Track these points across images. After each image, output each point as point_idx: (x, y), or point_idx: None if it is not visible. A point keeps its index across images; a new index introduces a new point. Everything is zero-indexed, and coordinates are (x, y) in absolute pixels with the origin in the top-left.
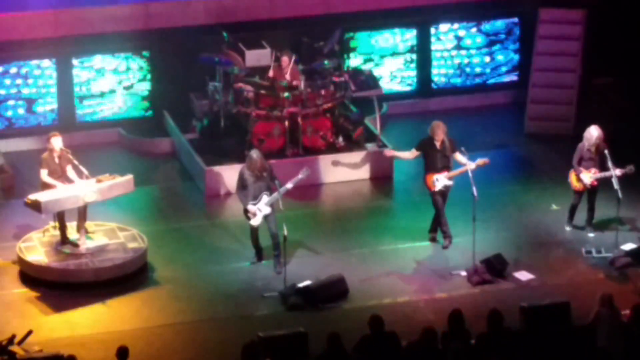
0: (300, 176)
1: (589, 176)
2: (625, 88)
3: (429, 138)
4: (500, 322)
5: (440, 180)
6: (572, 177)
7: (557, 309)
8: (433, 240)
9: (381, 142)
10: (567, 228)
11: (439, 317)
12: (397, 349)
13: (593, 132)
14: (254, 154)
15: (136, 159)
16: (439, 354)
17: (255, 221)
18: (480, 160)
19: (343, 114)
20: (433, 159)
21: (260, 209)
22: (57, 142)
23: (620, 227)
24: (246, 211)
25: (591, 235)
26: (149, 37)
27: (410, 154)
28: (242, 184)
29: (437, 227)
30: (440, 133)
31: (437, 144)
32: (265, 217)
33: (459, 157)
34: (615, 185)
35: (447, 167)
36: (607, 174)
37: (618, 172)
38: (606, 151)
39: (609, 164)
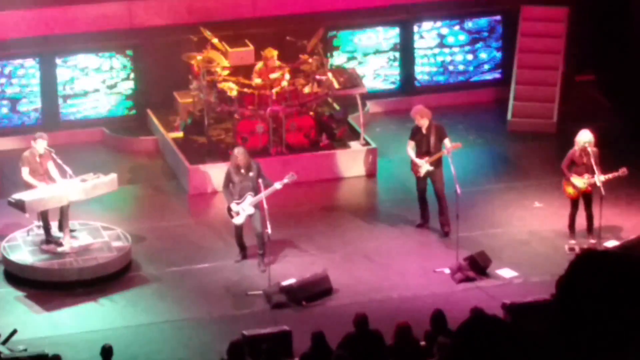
0: (285, 180)
1: (582, 181)
2: (608, 85)
3: (416, 125)
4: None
5: (423, 166)
6: (565, 186)
7: (541, 307)
8: (446, 234)
9: (364, 141)
10: (572, 241)
11: (423, 314)
12: (381, 347)
13: (582, 137)
14: (235, 150)
15: (120, 157)
16: (422, 350)
17: (238, 220)
18: (452, 145)
19: (326, 112)
20: (419, 144)
21: (244, 208)
22: (41, 145)
23: (603, 225)
24: (229, 209)
25: (592, 241)
26: (132, 36)
27: (410, 147)
28: (228, 182)
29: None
30: (418, 117)
31: (423, 129)
32: (250, 216)
33: (447, 144)
34: (598, 182)
35: (429, 153)
36: (610, 176)
37: (605, 177)
38: (591, 149)
39: (594, 164)
